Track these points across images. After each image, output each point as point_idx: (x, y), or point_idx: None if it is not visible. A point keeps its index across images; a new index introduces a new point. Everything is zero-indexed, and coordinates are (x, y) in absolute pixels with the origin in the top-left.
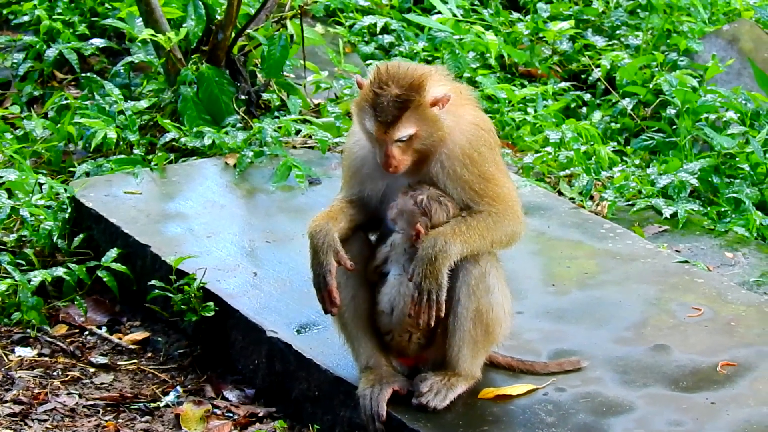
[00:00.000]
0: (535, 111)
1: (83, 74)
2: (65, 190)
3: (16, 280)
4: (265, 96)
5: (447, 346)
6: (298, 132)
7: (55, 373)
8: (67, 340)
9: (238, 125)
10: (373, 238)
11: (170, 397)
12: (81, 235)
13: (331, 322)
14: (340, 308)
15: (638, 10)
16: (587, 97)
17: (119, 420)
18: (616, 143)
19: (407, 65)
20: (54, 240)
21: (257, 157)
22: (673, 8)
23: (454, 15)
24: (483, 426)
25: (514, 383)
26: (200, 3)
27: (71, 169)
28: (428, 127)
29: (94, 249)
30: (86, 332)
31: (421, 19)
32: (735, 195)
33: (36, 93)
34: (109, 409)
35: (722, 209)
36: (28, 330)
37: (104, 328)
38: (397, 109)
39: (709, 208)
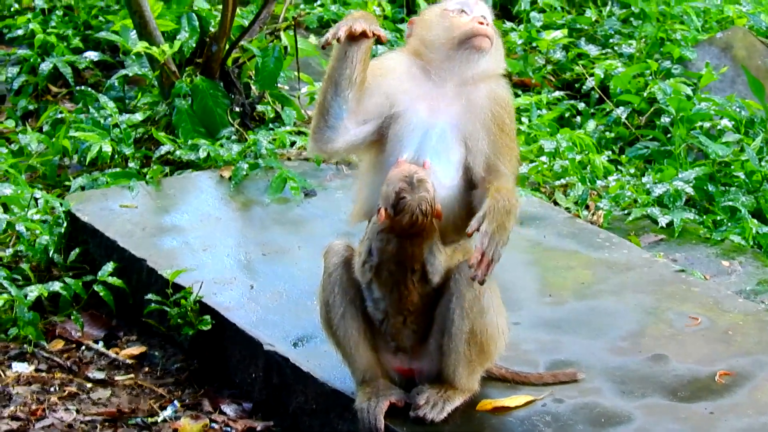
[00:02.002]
0: (530, 120)
1: (78, 88)
2: (61, 204)
3: (12, 295)
4: (259, 108)
5: (443, 365)
6: (293, 144)
7: (52, 389)
8: (64, 355)
9: (233, 137)
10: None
11: (168, 412)
12: (77, 250)
13: (325, 337)
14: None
15: (631, 19)
16: (581, 106)
17: None
18: (610, 152)
19: None
20: (50, 254)
21: (252, 170)
22: (667, 16)
23: None
24: None
25: (511, 395)
26: (194, 15)
27: (66, 183)
28: (497, 43)
29: (90, 263)
30: (83, 347)
31: None
32: (731, 203)
33: (31, 107)
34: (106, 424)
35: (718, 218)
36: (25, 345)
37: (101, 343)
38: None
39: (704, 217)
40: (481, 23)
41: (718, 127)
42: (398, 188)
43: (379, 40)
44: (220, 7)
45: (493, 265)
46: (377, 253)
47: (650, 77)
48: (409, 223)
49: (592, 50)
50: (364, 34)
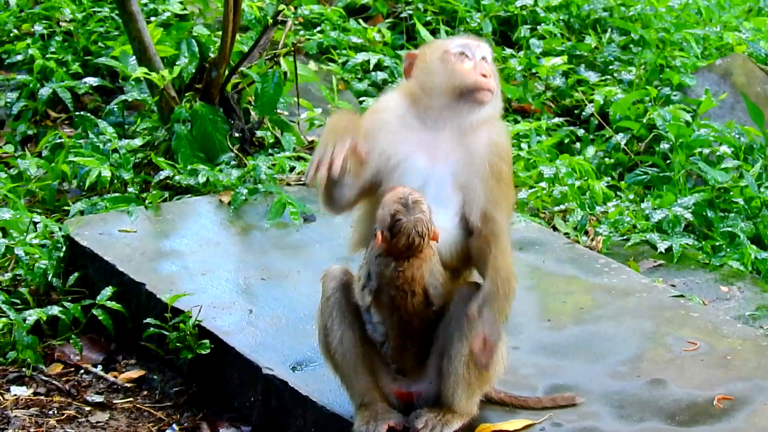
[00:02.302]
0: (529, 146)
1: (77, 113)
2: (60, 228)
3: (11, 319)
4: (259, 133)
5: (442, 387)
6: (292, 169)
7: (51, 412)
8: (63, 379)
9: (232, 163)
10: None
11: None
12: (76, 274)
13: (324, 361)
14: (333, 173)
15: (631, 45)
16: (581, 132)
17: None
18: (610, 178)
19: None
20: (49, 279)
21: (251, 195)
22: (666, 43)
23: None
24: None
25: (510, 418)
26: (193, 41)
27: (65, 207)
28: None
29: (89, 287)
30: (82, 371)
31: None
32: (730, 229)
33: (30, 132)
34: None
35: (717, 243)
36: (24, 369)
37: (100, 367)
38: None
39: (703, 243)
40: (485, 75)
41: (717, 154)
42: (393, 210)
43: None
44: (220, 33)
45: (496, 349)
46: (376, 277)
47: (650, 104)
48: (406, 245)
49: (592, 77)
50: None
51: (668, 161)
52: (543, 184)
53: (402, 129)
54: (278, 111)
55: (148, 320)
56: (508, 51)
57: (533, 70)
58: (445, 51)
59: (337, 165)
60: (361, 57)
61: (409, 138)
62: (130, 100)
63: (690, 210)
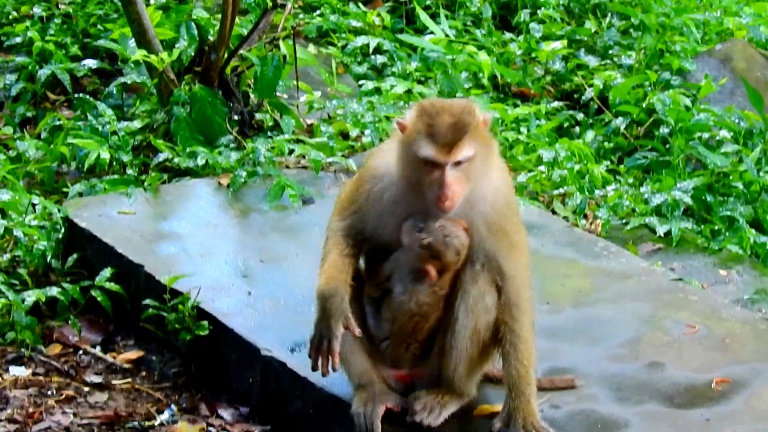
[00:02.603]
0: (528, 130)
1: (76, 95)
2: (59, 210)
3: (10, 300)
4: (258, 116)
5: (443, 364)
6: (291, 152)
7: (49, 392)
8: (62, 360)
9: (231, 145)
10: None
11: (165, 416)
12: (75, 255)
13: None
14: (335, 370)
15: (631, 30)
16: (580, 116)
17: None
18: (609, 162)
19: (445, 99)
20: (48, 260)
21: (250, 177)
22: (666, 28)
23: (447, 35)
24: None
25: None
26: (193, 24)
27: (64, 189)
28: (484, 151)
29: (87, 269)
30: (80, 351)
31: (413, 40)
32: (729, 213)
33: (29, 114)
34: (103, 427)
35: (716, 227)
36: (23, 349)
37: (98, 348)
38: (458, 131)
39: (702, 226)
40: (444, 197)
41: (717, 138)
42: (417, 241)
43: None
44: (219, 16)
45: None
46: (406, 286)
47: (649, 88)
48: (456, 252)
49: (592, 61)
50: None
51: (668, 146)
52: (542, 168)
53: (397, 199)
54: (277, 94)
55: (147, 301)
56: (508, 35)
57: (533, 55)
58: (415, 151)
59: (336, 362)
60: (360, 41)
61: (404, 207)
62: (129, 82)
63: (689, 194)
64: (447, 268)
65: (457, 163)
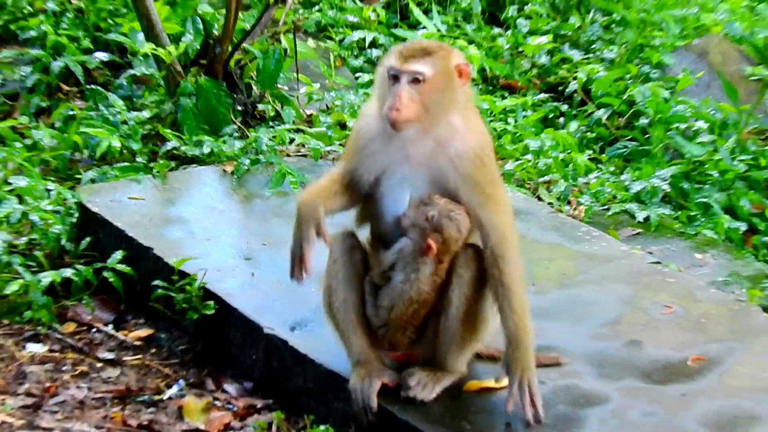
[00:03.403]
0: (516, 121)
1: (88, 86)
2: (72, 195)
3: (27, 281)
4: (260, 107)
5: (436, 344)
6: (291, 141)
7: (64, 368)
8: (76, 337)
9: (235, 134)
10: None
11: (173, 390)
12: (87, 239)
13: (324, 320)
14: (307, 274)
15: (613, 26)
16: (564, 107)
17: (125, 411)
18: (591, 151)
19: None
20: (62, 243)
21: (253, 165)
22: (646, 24)
23: (439, 30)
24: (468, 416)
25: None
26: (198, 19)
27: (77, 176)
28: (445, 85)
29: (100, 251)
30: (93, 329)
31: (407, 34)
32: (704, 200)
33: (43, 104)
34: (115, 401)
35: (692, 213)
36: (39, 327)
37: (110, 326)
38: (422, 50)
39: (679, 212)
40: (396, 109)
41: (694, 129)
42: (422, 216)
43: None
44: (224, 11)
45: (537, 399)
46: (408, 274)
47: (630, 81)
48: (457, 229)
49: (576, 55)
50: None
51: (647, 135)
52: (528, 157)
53: (381, 142)
54: (278, 86)
55: (156, 282)
56: (497, 30)
57: (520, 49)
58: (383, 72)
59: (309, 267)
60: (357, 35)
61: (388, 150)
62: (138, 74)
63: (667, 182)
64: (447, 246)
65: (415, 81)
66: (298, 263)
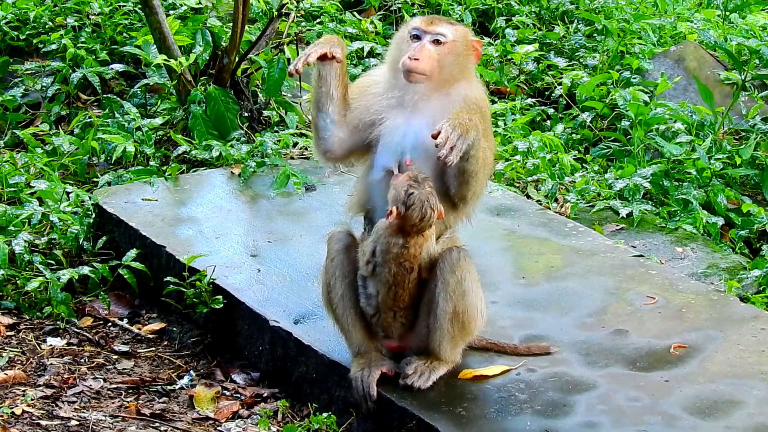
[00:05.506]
0: (505, 124)
1: (105, 95)
2: (89, 198)
3: (47, 278)
4: (265, 113)
5: (429, 340)
6: (295, 144)
7: (82, 360)
8: (93, 331)
9: (242, 139)
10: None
11: (184, 381)
12: (104, 238)
13: (326, 313)
14: (298, 74)
15: (595, 34)
16: (551, 111)
17: (139, 401)
18: (577, 152)
19: None
20: (80, 242)
21: (259, 167)
22: (626, 32)
23: None
24: (462, 403)
25: (489, 365)
26: (207, 31)
27: (95, 179)
28: (461, 52)
29: (115, 250)
30: (109, 323)
31: None
32: (683, 196)
33: (63, 113)
34: (130, 391)
35: (672, 209)
36: (58, 322)
37: (125, 320)
38: (445, 20)
39: (660, 209)
40: (415, 59)
41: (672, 130)
42: (406, 186)
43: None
44: (231, 24)
45: (456, 150)
46: (381, 254)
47: (612, 86)
48: (419, 217)
49: (561, 62)
50: (325, 56)
51: (629, 137)
52: (518, 157)
53: (384, 90)
54: (283, 93)
55: (168, 279)
56: (486, 39)
57: (509, 57)
58: (401, 35)
59: (312, 58)
60: (356, 45)
61: (390, 98)
62: (151, 83)
63: (648, 180)
64: (404, 221)
65: (436, 42)
66: (302, 60)
